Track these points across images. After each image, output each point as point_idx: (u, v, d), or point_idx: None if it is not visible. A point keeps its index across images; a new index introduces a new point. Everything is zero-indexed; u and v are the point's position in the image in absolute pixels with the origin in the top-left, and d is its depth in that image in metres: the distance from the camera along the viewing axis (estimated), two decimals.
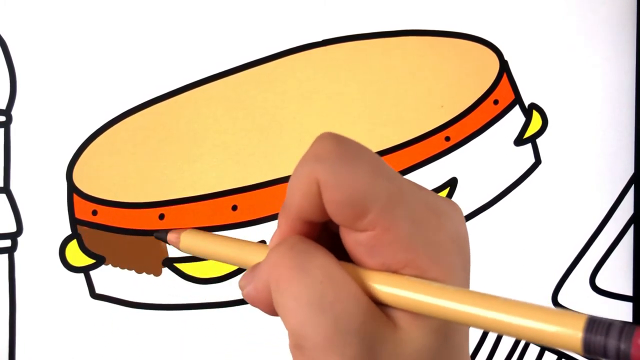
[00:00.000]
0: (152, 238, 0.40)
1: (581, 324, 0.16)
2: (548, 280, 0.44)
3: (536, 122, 0.43)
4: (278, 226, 0.22)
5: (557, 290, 0.44)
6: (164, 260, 0.40)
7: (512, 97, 0.43)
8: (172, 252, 0.40)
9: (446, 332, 0.20)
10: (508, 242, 0.43)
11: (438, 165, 0.42)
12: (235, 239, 0.27)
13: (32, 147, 0.40)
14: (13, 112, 0.40)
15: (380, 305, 0.20)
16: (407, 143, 0.41)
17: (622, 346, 0.16)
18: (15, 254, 0.40)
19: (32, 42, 0.40)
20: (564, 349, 0.17)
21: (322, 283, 0.19)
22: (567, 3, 0.43)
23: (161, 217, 0.40)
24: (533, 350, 0.44)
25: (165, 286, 0.41)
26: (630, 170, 0.44)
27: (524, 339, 0.18)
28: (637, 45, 0.44)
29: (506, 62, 0.43)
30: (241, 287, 0.22)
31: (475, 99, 0.42)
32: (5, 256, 0.40)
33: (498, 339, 0.43)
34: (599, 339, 0.16)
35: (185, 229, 0.31)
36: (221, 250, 0.27)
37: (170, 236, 0.32)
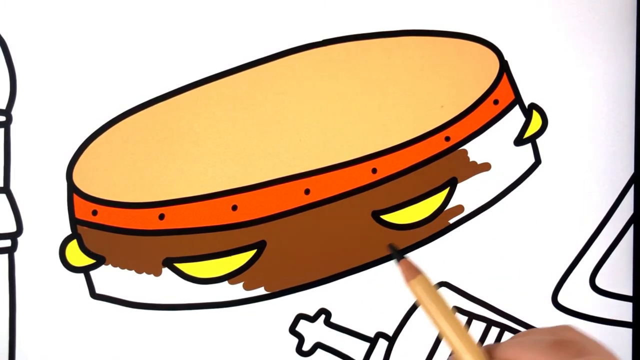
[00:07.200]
0: (152, 238, 0.40)
1: None
2: (548, 280, 0.44)
3: (536, 122, 0.43)
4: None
5: (557, 291, 0.44)
6: (164, 260, 0.40)
7: (512, 97, 0.43)
8: (173, 251, 0.40)
9: None
10: (508, 242, 0.43)
11: (438, 165, 0.42)
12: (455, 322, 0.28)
13: (32, 147, 0.40)
14: (13, 112, 0.40)
15: None
16: (407, 143, 0.41)
17: None
18: (15, 254, 0.40)
19: (32, 42, 0.40)
20: None
21: None
22: (567, 3, 0.43)
23: (161, 217, 0.40)
24: None
25: (165, 286, 0.41)
26: (630, 170, 0.44)
27: None
28: (637, 45, 0.44)
29: (506, 62, 0.43)
30: None
31: (475, 99, 0.42)
32: (5, 256, 0.40)
33: (498, 339, 0.43)
34: None
35: (419, 274, 0.30)
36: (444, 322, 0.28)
37: (403, 266, 0.30)
